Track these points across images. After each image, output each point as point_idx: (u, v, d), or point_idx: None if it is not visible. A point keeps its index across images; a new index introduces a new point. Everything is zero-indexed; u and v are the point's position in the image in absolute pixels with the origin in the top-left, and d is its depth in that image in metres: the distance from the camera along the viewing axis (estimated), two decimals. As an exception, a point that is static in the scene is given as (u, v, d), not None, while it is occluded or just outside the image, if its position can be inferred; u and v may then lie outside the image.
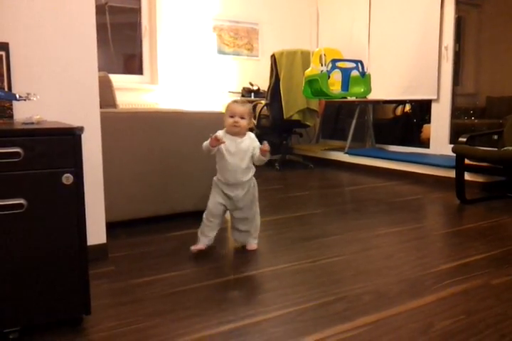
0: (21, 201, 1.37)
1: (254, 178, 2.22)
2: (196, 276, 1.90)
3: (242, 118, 2.10)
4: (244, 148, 2.12)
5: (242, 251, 2.29)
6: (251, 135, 2.17)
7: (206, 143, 2.10)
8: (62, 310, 1.47)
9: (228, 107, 2.14)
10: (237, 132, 2.11)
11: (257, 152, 2.11)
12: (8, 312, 1.40)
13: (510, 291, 1.81)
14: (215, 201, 2.20)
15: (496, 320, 1.57)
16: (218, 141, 2.04)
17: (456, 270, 2.04)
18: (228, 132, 2.12)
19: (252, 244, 2.30)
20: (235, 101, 2.17)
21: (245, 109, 2.12)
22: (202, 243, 2.21)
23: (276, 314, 1.62)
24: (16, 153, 1.35)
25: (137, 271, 2.02)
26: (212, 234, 2.23)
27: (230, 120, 2.09)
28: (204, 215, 2.23)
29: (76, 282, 1.47)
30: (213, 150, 2.10)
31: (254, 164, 2.19)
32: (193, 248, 2.20)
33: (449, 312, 1.63)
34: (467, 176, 3.53)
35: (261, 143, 2.13)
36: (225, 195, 2.18)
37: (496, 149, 3.37)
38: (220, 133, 2.12)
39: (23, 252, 1.39)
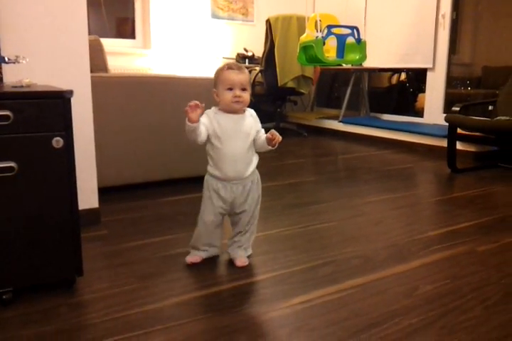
0: (12, 164, 1.37)
1: (257, 171, 1.73)
2: (188, 240, 1.92)
3: (244, 89, 1.60)
4: (246, 129, 1.63)
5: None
6: (252, 112, 1.68)
7: (187, 124, 1.55)
8: (55, 272, 1.50)
9: (222, 76, 1.60)
10: (240, 109, 1.62)
11: (262, 137, 1.65)
12: (0, 273, 1.42)
13: (495, 257, 1.85)
14: (211, 211, 1.69)
15: (480, 284, 1.62)
16: (197, 106, 1.52)
17: (443, 237, 2.08)
18: (224, 110, 1.63)
19: (242, 259, 1.76)
20: (230, 67, 1.61)
21: (245, 76, 1.61)
22: (198, 254, 1.78)
23: (266, 276, 1.66)
24: (6, 116, 1.35)
25: (130, 235, 2.04)
26: (213, 249, 1.79)
27: (229, 94, 1.58)
28: (198, 231, 1.75)
29: (68, 244, 1.50)
30: (197, 129, 1.55)
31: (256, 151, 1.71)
32: (189, 259, 1.76)
33: (434, 277, 1.67)
34: (459, 146, 3.55)
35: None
36: (222, 199, 1.68)
37: (488, 119, 3.37)
38: (206, 112, 1.62)
39: (15, 214, 1.41)
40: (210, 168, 1.68)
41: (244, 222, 1.73)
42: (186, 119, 1.53)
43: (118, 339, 1.28)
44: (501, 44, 4.44)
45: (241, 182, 1.67)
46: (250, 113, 1.67)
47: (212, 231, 1.74)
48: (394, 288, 1.58)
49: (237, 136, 1.62)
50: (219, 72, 1.63)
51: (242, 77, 1.59)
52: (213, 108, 1.65)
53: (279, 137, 1.60)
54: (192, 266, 1.74)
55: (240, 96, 1.58)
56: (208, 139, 1.63)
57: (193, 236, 1.78)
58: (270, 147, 1.63)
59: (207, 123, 1.60)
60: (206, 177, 1.71)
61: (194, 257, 1.77)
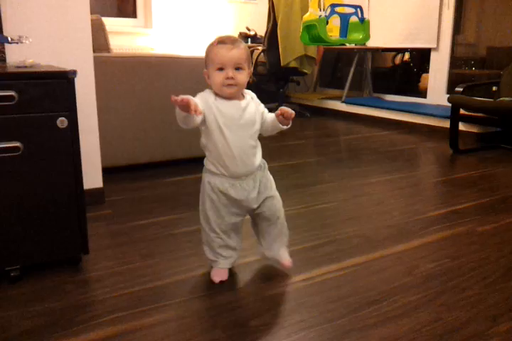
0: (17, 144, 1.38)
1: (263, 159, 1.48)
2: (192, 220, 1.95)
3: (239, 68, 1.31)
4: (251, 117, 1.37)
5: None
6: (252, 94, 1.43)
7: (177, 110, 1.26)
8: (62, 250, 1.53)
9: (212, 53, 1.32)
10: (233, 93, 1.34)
11: (269, 116, 1.42)
12: (8, 250, 1.45)
13: (495, 238, 1.87)
14: (219, 215, 1.43)
15: (479, 264, 1.64)
16: (188, 106, 1.21)
17: (444, 217, 2.10)
18: (219, 94, 1.35)
19: (288, 258, 1.56)
20: (222, 42, 1.31)
21: (241, 51, 1.31)
22: (222, 266, 1.51)
23: (268, 256, 1.69)
24: (11, 97, 1.35)
25: (134, 214, 2.07)
26: (233, 252, 1.52)
27: (220, 76, 1.30)
28: (208, 231, 1.47)
29: (74, 222, 1.52)
30: (193, 117, 1.27)
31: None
32: (216, 278, 1.49)
33: (434, 256, 1.70)
34: (462, 126, 3.54)
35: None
36: (233, 201, 1.42)
37: (491, 100, 3.36)
38: (202, 95, 1.36)
39: (21, 194, 1.43)
40: (212, 166, 1.41)
41: (271, 212, 1.51)
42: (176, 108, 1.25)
43: (123, 315, 1.31)
44: (506, 24, 4.39)
45: (251, 174, 1.42)
46: (251, 95, 1.42)
47: (230, 236, 1.49)
48: (394, 267, 1.61)
49: (243, 126, 1.36)
50: (209, 48, 1.34)
51: (236, 52, 1.30)
52: (208, 90, 1.38)
53: (291, 112, 1.34)
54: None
55: (232, 78, 1.30)
56: (206, 130, 1.36)
57: (208, 249, 1.51)
58: (284, 126, 1.40)
59: (204, 107, 1.32)
60: (207, 178, 1.43)
61: (219, 273, 1.51)
